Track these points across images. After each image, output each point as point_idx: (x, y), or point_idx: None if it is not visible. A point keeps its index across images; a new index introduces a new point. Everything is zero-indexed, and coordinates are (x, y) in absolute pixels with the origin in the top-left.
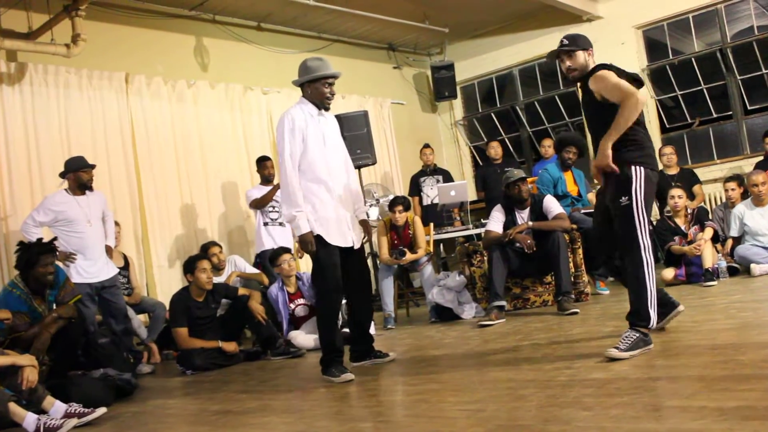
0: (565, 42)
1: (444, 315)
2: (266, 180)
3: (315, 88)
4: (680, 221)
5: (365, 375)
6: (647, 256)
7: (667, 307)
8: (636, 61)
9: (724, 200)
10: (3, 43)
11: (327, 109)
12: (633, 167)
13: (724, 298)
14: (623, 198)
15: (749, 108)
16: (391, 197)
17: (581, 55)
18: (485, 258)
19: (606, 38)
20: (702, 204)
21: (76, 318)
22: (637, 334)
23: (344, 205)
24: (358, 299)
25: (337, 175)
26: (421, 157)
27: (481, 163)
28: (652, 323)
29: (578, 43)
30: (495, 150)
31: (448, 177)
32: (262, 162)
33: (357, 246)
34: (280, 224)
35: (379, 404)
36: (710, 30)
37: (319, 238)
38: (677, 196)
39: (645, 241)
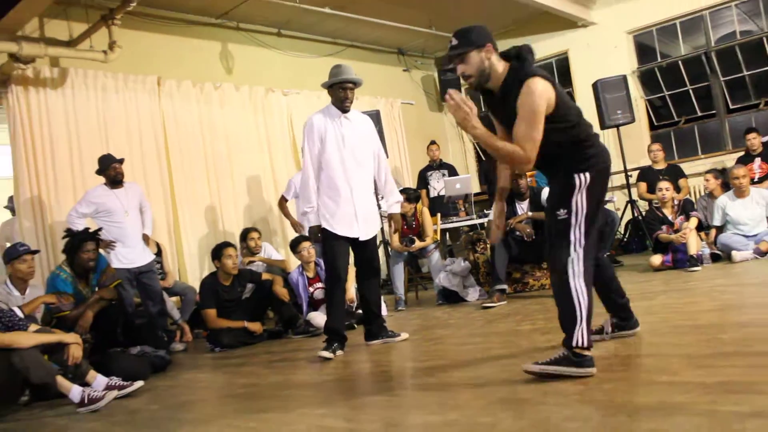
0: (454, 42)
1: (450, 298)
2: None
3: (333, 93)
4: (667, 211)
5: (378, 352)
6: (577, 283)
7: (627, 320)
8: (627, 63)
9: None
10: (47, 50)
11: (345, 111)
12: (576, 175)
13: (707, 282)
14: (561, 210)
15: (731, 107)
16: (400, 189)
17: (474, 56)
18: (488, 245)
19: (600, 42)
20: (687, 196)
21: (116, 300)
22: (567, 353)
23: (359, 200)
24: (367, 285)
25: (354, 173)
26: (429, 152)
27: (483, 159)
28: (581, 344)
29: (470, 39)
30: None
31: (453, 171)
32: None
33: (363, 238)
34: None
35: (390, 378)
36: (696, 35)
37: (325, 230)
38: (665, 188)
39: (575, 267)
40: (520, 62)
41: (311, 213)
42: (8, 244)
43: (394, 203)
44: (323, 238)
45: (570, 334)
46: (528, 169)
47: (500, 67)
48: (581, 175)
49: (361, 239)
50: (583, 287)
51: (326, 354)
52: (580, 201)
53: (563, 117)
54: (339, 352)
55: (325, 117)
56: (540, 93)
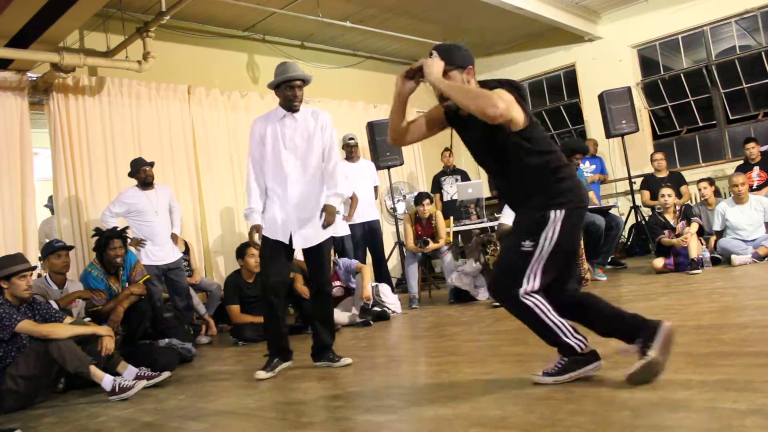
0: (436, 57)
1: (461, 297)
2: None
3: (281, 93)
4: (669, 217)
5: (392, 348)
6: (532, 299)
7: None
8: (631, 76)
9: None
10: (86, 60)
11: (294, 110)
12: (551, 211)
13: (707, 285)
14: (527, 242)
15: (731, 118)
16: (415, 193)
17: (456, 77)
18: (498, 247)
19: (605, 56)
20: (688, 202)
21: (146, 295)
22: (567, 359)
23: (299, 204)
24: (314, 300)
25: (296, 176)
26: (443, 159)
27: None
28: (579, 348)
29: (453, 58)
30: None
31: (465, 176)
32: None
33: (300, 246)
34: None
35: (404, 373)
36: (697, 49)
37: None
38: (667, 194)
39: (526, 288)
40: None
41: (249, 214)
42: (47, 241)
43: (331, 195)
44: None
45: (563, 345)
46: (494, 119)
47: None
48: (556, 211)
49: (296, 247)
50: (540, 297)
51: (262, 375)
52: (550, 236)
53: (533, 137)
54: (286, 364)
55: (266, 120)
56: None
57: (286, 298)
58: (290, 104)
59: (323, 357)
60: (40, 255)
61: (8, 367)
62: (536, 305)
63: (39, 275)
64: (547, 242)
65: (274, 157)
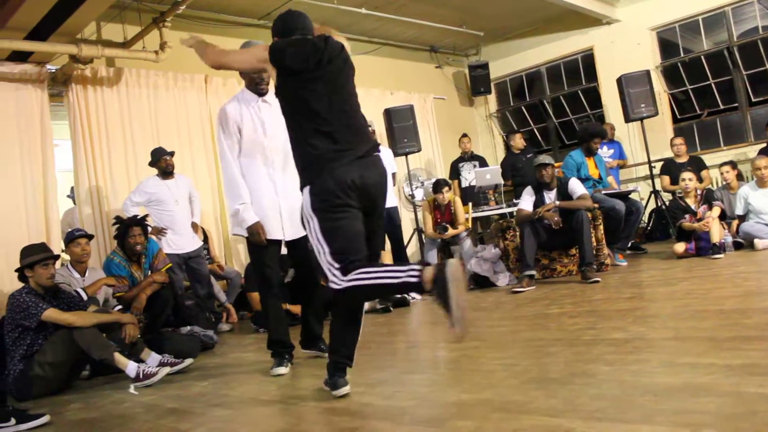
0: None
1: (481, 283)
2: None
3: (246, 76)
4: (690, 201)
5: (413, 333)
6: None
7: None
8: (650, 59)
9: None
10: (104, 51)
11: (261, 94)
12: (304, 190)
13: (730, 269)
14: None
15: (753, 100)
16: (433, 180)
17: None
18: (517, 233)
19: (624, 39)
20: (710, 186)
21: (167, 283)
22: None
23: (285, 195)
24: (304, 293)
25: (279, 164)
26: (460, 145)
27: (506, 154)
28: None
29: (272, 31)
30: (518, 141)
31: (483, 162)
32: None
33: (289, 237)
34: None
35: (426, 359)
36: (718, 30)
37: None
38: (687, 179)
39: (337, 277)
40: None
41: (244, 210)
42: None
43: None
44: (249, 243)
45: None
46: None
47: None
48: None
49: (287, 239)
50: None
51: (281, 371)
52: (310, 216)
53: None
54: (289, 365)
55: (239, 104)
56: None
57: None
58: (257, 88)
59: (313, 346)
60: (63, 244)
61: (36, 354)
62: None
63: (62, 264)
64: (312, 217)
65: (258, 146)
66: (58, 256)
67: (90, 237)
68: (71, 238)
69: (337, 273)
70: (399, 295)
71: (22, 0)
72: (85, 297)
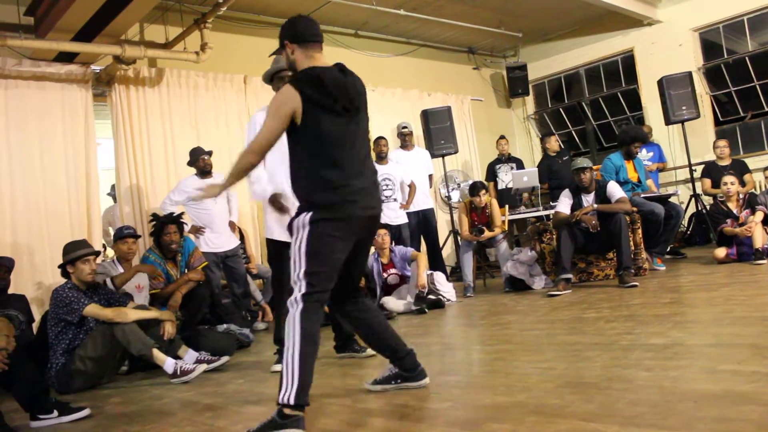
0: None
1: (517, 285)
2: (380, 157)
3: (276, 85)
4: (732, 205)
5: (448, 335)
6: (295, 330)
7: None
8: (693, 61)
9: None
10: (146, 52)
11: None
12: (300, 218)
13: None
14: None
15: None
16: (470, 182)
17: (286, 53)
18: (554, 236)
19: (665, 40)
20: (752, 190)
21: (204, 281)
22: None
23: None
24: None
25: (287, 171)
26: (497, 147)
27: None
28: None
29: (282, 33)
30: (553, 144)
31: (520, 165)
32: (377, 141)
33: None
34: (394, 200)
35: (460, 361)
36: (763, 30)
37: (275, 241)
38: (730, 182)
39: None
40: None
41: (257, 184)
42: (110, 228)
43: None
44: (272, 248)
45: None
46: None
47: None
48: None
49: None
50: (297, 328)
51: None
52: (300, 239)
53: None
54: None
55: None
56: (282, 91)
57: None
58: None
59: (348, 348)
60: (111, 240)
61: (77, 349)
62: (295, 337)
63: (111, 260)
64: (299, 249)
65: (279, 153)
66: (98, 252)
67: (137, 237)
68: (119, 235)
69: (299, 295)
70: (434, 297)
71: (70, 2)
72: (113, 288)
